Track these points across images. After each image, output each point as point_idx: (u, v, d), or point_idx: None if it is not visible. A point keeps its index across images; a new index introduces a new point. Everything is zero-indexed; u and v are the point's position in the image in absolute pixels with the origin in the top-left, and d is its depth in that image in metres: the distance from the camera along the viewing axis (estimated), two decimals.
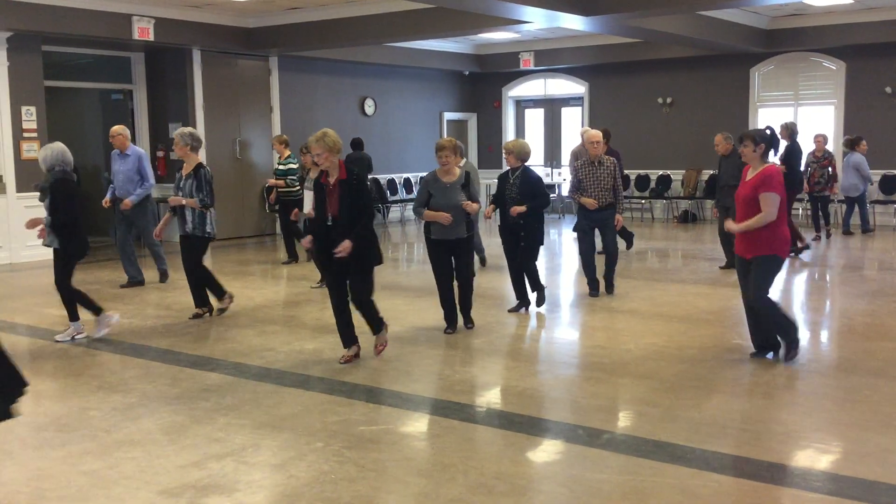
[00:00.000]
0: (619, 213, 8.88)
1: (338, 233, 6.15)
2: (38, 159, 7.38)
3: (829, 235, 13.39)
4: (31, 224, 7.32)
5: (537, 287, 8.32)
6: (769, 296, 6.25)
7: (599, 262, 9.13)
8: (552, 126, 19.59)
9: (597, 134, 8.94)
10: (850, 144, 13.90)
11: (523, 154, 7.96)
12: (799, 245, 11.58)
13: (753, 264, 6.21)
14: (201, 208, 7.90)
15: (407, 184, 18.25)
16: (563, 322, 8.37)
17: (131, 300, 9.33)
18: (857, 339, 7.29)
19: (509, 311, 8.34)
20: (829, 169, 13.30)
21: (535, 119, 19.91)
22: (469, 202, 7.20)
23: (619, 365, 6.44)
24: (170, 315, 8.46)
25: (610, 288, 9.12)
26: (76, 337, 7.42)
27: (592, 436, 4.93)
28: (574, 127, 18.13)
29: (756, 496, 4.16)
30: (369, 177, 15.62)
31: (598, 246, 9.12)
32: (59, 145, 7.28)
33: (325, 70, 16.49)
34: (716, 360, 6.41)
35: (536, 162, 19.60)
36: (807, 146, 13.81)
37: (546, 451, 4.86)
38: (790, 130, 11.74)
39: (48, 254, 7.55)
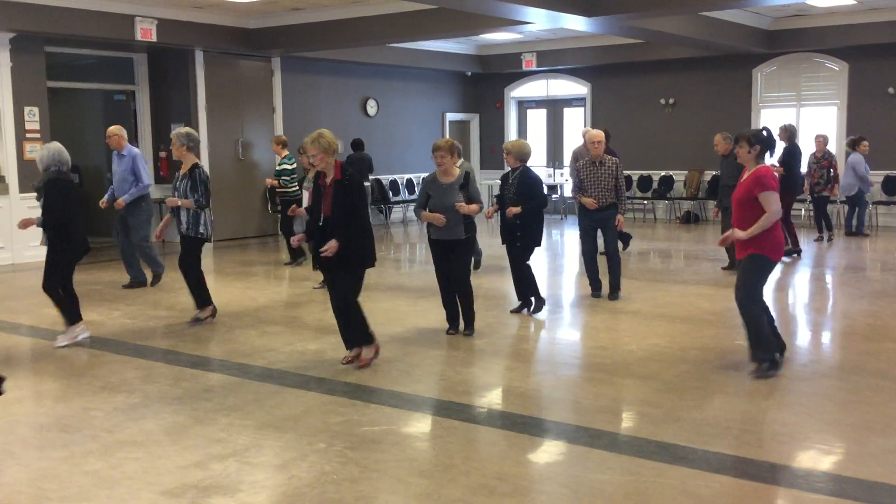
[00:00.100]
0: (622, 213, 8.78)
1: (330, 233, 6.14)
2: (35, 159, 7.37)
3: (830, 240, 13.27)
4: (24, 224, 7.30)
5: (531, 293, 8.18)
6: (755, 300, 6.03)
7: (602, 263, 9.10)
8: (554, 127, 19.59)
9: (598, 134, 8.91)
10: (852, 145, 13.88)
11: (522, 154, 7.94)
12: (791, 248, 11.51)
13: (742, 263, 6.14)
14: (196, 208, 7.85)
15: (409, 184, 18.25)
16: (564, 323, 8.37)
17: (133, 301, 9.34)
18: (860, 340, 7.28)
19: (511, 311, 8.34)
20: (829, 170, 13.26)
21: (537, 120, 19.91)
22: (462, 204, 7.08)
23: (621, 366, 6.44)
24: (172, 316, 8.46)
25: (614, 292, 8.94)
26: (78, 338, 7.42)
27: (594, 436, 4.93)
28: (576, 128, 18.12)
29: (758, 497, 4.16)
30: (370, 177, 15.66)
31: (600, 247, 9.10)
32: (55, 145, 7.23)
33: (328, 71, 16.50)
34: (718, 361, 6.41)
35: (539, 162, 19.63)
36: (809, 147, 13.85)
37: (548, 452, 4.86)
38: (789, 132, 11.70)
39: None
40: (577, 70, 18.40)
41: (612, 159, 8.80)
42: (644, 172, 17.58)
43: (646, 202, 17.61)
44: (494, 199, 8.41)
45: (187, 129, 8.12)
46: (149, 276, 10.11)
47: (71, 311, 7.28)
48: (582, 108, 18.82)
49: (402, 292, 9.71)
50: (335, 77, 16.68)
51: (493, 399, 5.87)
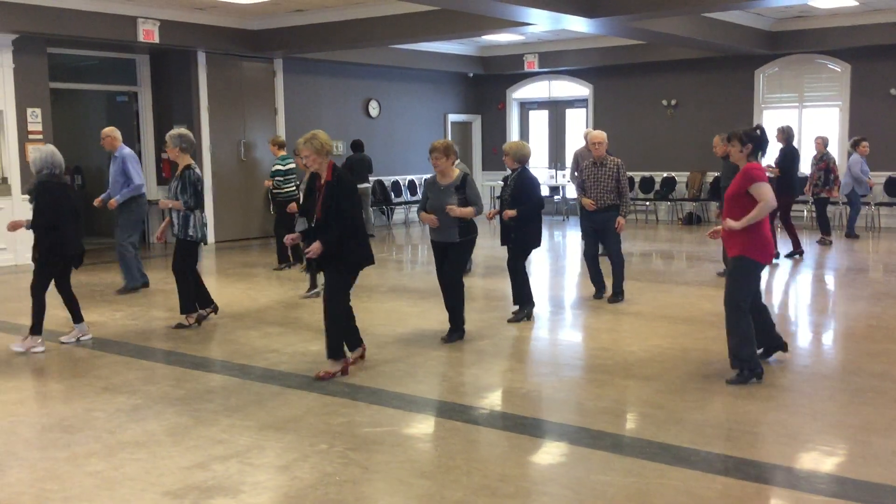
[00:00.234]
0: (623, 215, 8.68)
1: (319, 234, 6.10)
2: (29, 161, 7.34)
3: (829, 243, 13.19)
4: (12, 226, 7.26)
5: (522, 298, 8.04)
6: (735, 305, 5.88)
7: (606, 265, 9.06)
8: (556, 128, 19.59)
9: (599, 135, 8.85)
10: (854, 146, 13.86)
11: (520, 156, 7.89)
12: (779, 250, 11.45)
13: (730, 265, 6.06)
14: (184, 210, 7.81)
15: (411, 186, 18.26)
16: (566, 324, 8.36)
17: (136, 302, 9.34)
18: (861, 341, 7.27)
19: (508, 321, 8.25)
20: (827, 171, 13.17)
21: (539, 121, 19.91)
22: (452, 206, 6.99)
23: (624, 367, 6.43)
24: (174, 317, 8.45)
25: (616, 296, 8.86)
26: (81, 339, 7.42)
27: (596, 438, 4.93)
28: (578, 129, 18.11)
29: (760, 498, 4.16)
30: (370, 178, 15.66)
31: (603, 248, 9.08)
32: (48, 148, 7.20)
33: (330, 72, 16.51)
34: (720, 363, 6.39)
35: (540, 164, 19.64)
36: (810, 149, 13.82)
37: (550, 453, 4.85)
38: (786, 134, 11.62)
39: None
40: (579, 71, 18.40)
41: (613, 160, 8.72)
42: (646, 174, 17.58)
43: (648, 203, 17.61)
44: (497, 201, 8.38)
45: (180, 130, 8.06)
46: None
47: (40, 321, 7.12)
48: (584, 110, 18.82)
49: (403, 293, 9.71)
50: (337, 78, 16.69)
51: (494, 400, 5.86)
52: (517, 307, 8.10)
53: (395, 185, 17.94)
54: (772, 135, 11.89)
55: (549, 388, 6.05)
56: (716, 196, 15.10)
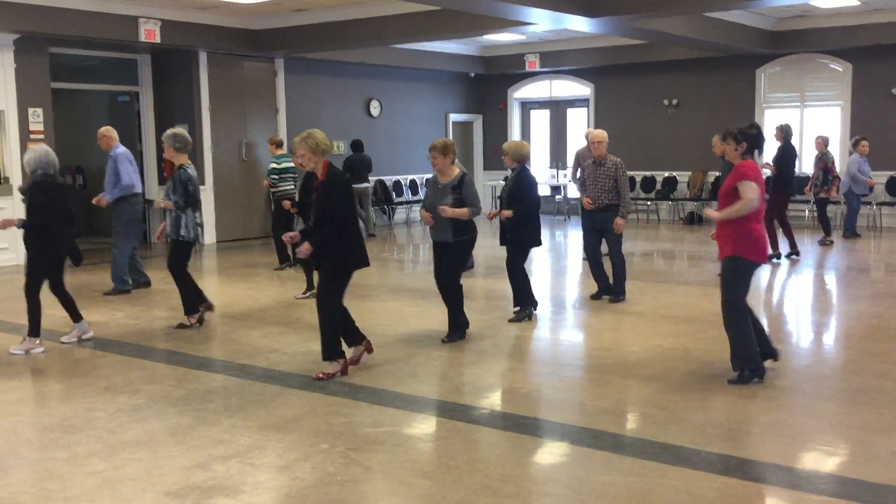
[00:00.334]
0: (622, 216, 8.61)
1: (312, 234, 6.07)
2: (23, 162, 7.33)
3: (831, 243, 13.14)
4: (4, 224, 7.21)
5: (522, 299, 8.02)
6: (732, 304, 5.82)
7: (608, 263, 9.03)
8: (558, 127, 19.59)
9: (599, 134, 8.81)
10: (854, 145, 13.83)
11: (518, 155, 7.86)
12: (773, 252, 11.42)
13: (722, 266, 5.97)
14: (175, 210, 7.76)
15: (412, 185, 18.26)
16: (568, 324, 8.36)
17: (137, 301, 9.35)
18: (863, 341, 7.27)
19: (510, 321, 8.25)
20: (825, 171, 13.12)
21: (540, 120, 19.91)
22: (444, 206, 6.95)
23: (625, 367, 6.43)
24: (175, 317, 8.45)
25: (617, 295, 8.81)
26: (82, 338, 7.43)
27: (598, 438, 4.93)
28: (580, 128, 18.11)
29: (761, 499, 4.16)
30: (370, 178, 15.66)
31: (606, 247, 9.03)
32: (42, 148, 7.18)
33: (331, 71, 16.51)
34: (722, 363, 6.38)
35: (542, 164, 19.64)
36: (810, 148, 13.80)
37: (551, 453, 4.85)
38: (785, 132, 11.57)
39: None
40: (581, 71, 18.40)
41: (613, 160, 8.66)
42: (647, 173, 17.57)
43: (649, 203, 17.60)
44: (497, 201, 8.36)
45: (175, 129, 8.01)
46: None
47: (37, 322, 7.11)
48: (585, 109, 18.82)
49: (405, 293, 9.71)
50: (338, 78, 16.69)
51: (496, 400, 5.86)
52: (518, 308, 8.10)
53: (397, 184, 17.94)
54: (771, 133, 11.94)
55: (551, 387, 6.05)
56: (717, 195, 15.11)
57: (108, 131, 9.87)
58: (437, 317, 7.95)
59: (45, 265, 7.09)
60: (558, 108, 19.52)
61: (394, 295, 9.65)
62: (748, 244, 5.78)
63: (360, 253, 6.18)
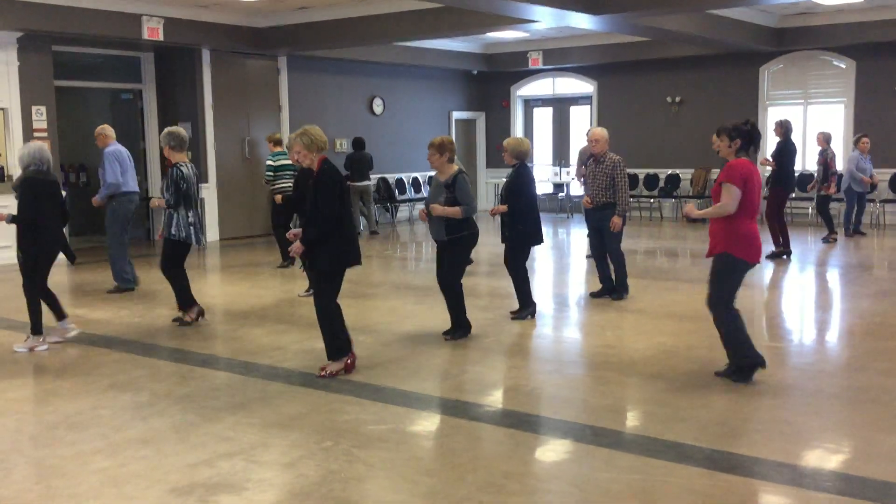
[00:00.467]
0: (619, 213, 8.55)
1: (304, 232, 6.04)
2: (17, 158, 7.30)
3: (834, 240, 13.12)
4: None
5: (522, 299, 7.99)
6: (720, 303, 5.77)
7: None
8: (561, 125, 19.57)
9: (596, 132, 8.78)
10: (855, 143, 13.80)
11: (517, 152, 7.83)
12: (777, 250, 11.40)
13: (712, 263, 5.88)
14: (167, 208, 7.72)
15: (415, 183, 18.26)
16: (570, 321, 8.36)
17: (140, 299, 9.36)
18: (867, 338, 7.26)
19: (513, 317, 8.23)
20: (824, 167, 13.07)
21: (543, 118, 19.90)
22: (435, 205, 6.95)
23: (628, 364, 6.43)
24: (178, 315, 8.47)
25: (615, 293, 8.78)
26: (67, 336, 7.29)
27: (601, 435, 4.93)
28: (583, 126, 18.11)
29: (766, 496, 4.16)
30: (371, 176, 15.67)
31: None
32: (36, 144, 7.15)
33: (334, 69, 16.51)
34: (725, 360, 6.38)
35: (545, 161, 19.64)
36: (813, 145, 13.76)
37: (555, 451, 4.86)
38: (784, 128, 11.52)
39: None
40: (584, 68, 18.38)
41: (612, 158, 8.60)
42: (650, 171, 17.56)
43: (652, 201, 17.59)
44: (499, 198, 8.35)
45: (170, 128, 7.97)
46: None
47: (38, 320, 7.09)
48: (588, 107, 18.80)
49: (407, 290, 9.72)
50: (341, 76, 16.69)
51: (498, 397, 5.87)
52: (519, 306, 8.09)
53: (399, 182, 17.94)
54: (771, 129, 11.90)
55: (553, 385, 6.05)
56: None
57: (104, 129, 9.87)
58: (439, 314, 7.95)
59: (39, 262, 7.04)
60: (561, 106, 19.50)
61: (397, 292, 9.66)
62: (741, 243, 5.70)
63: (352, 251, 6.10)
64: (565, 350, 7.28)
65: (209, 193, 14.63)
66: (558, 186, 18.82)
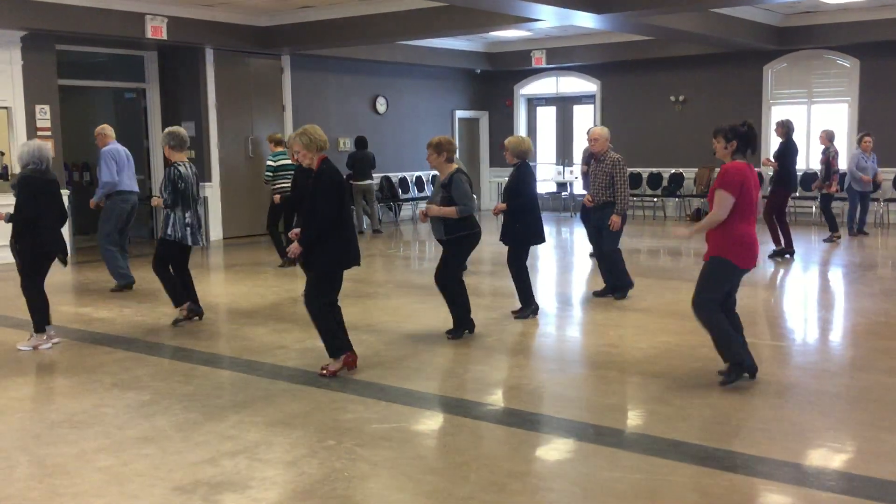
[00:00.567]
0: (618, 213, 8.52)
1: (301, 233, 6.02)
2: (17, 156, 7.29)
3: (837, 240, 13.07)
4: None
5: (523, 299, 7.97)
6: (705, 305, 5.63)
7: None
8: (564, 124, 19.57)
9: (595, 130, 8.79)
10: (858, 142, 13.77)
11: (518, 151, 7.81)
12: (777, 249, 11.37)
13: (704, 265, 5.74)
14: (164, 208, 7.69)
15: (418, 182, 18.26)
16: (573, 320, 8.36)
17: (144, 298, 9.36)
18: (871, 338, 7.25)
19: (515, 316, 8.22)
20: (826, 166, 13.04)
21: (547, 117, 19.89)
22: (431, 206, 6.96)
23: (632, 363, 6.43)
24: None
25: (616, 292, 8.76)
26: (37, 347, 7.11)
27: (604, 434, 4.93)
28: (586, 125, 18.09)
29: (769, 495, 4.15)
30: (374, 175, 15.67)
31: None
32: (35, 143, 7.13)
33: (338, 68, 16.51)
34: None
35: (548, 160, 19.64)
36: (816, 144, 13.72)
37: (558, 450, 4.85)
38: (786, 128, 11.45)
39: None
40: (587, 67, 18.37)
41: (612, 157, 8.59)
42: (654, 170, 17.54)
43: (656, 200, 17.58)
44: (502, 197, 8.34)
45: (170, 128, 7.95)
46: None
47: (39, 319, 7.06)
48: (592, 106, 18.79)
49: (411, 289, 9.72)
50: (345, 75, 16.69)
51: (502, 396, 5.87)
52: (522, 306, 8.08)
53: (403, 181, 17.95)
54: (773, 129, 11.86)
55: (556, 384, 6.05)
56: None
57: (103, 129, 9.88)
58: (443, 313, 7.94)
59: (36, 260, 7.02)
60: (565, 105, 19.49)
61: (400, 291, 9.66)
62: (735, 248, 5.56)
63: (350, 252, 6.05)
64: (568, 349, 7.28)
65: (212, 192, 14.65)
66: (562, 185, 18.81)
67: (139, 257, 11.48)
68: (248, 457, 4.61)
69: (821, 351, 7.07)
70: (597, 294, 8.96)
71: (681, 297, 8.95)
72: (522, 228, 7.81)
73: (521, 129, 19.67)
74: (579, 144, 16.97)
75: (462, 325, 7.25)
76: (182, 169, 7.73)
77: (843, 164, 14.06)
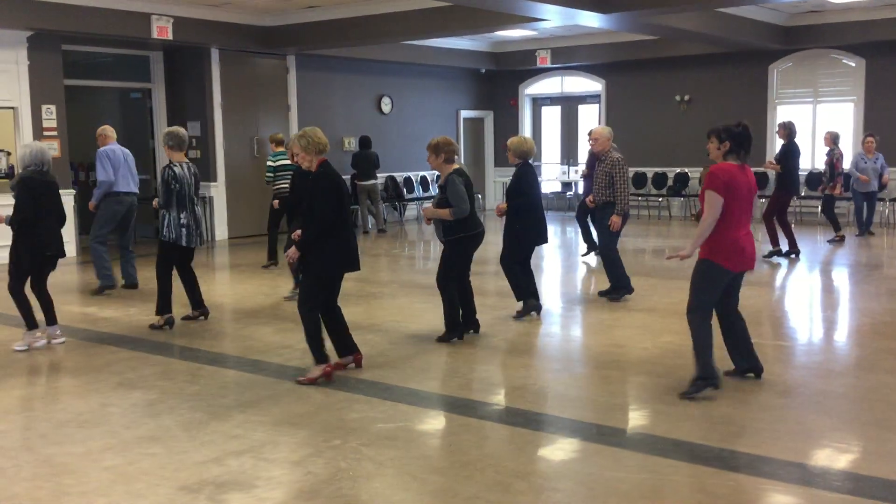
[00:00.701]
0: (617, 213, 8.47)
1: (301, 235, 6.01)
2: (17, 157, 7.30)
3: (840, 240, 13.02)
4: None
5: (520, 294, 7.94)
6: (695, 309, 5.54)
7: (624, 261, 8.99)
8: (569, 124, 19.55)
9: (596, 130, 8.81)
10: (862, 142, 13.73)
11: (520, 151, 7.78)
12: (773, 250, 11.34)
13: (694, 269, 5.65)
14: (160, 209, 7.68)
15: (423, 182, 18.27)
16: (578, 320, 8.36)
17: (150, 298, 9.36)
18: (876, 338, 7.23)
19: (515, 318, 8.21)
20: (830, 167, 13.00)
21: (551, 117, 19.89)
22: (427, 207, 6.97)
23: (636, 363, 6.43)
24: (187, 313, 8.49)
25: (614, 291, 8.73)
26: (52, 342, 7.18)
27: (609, 434, 4.93)
28: (591, 125, 18.08)
29: (774, 495, 4.15)
30: (378, 175, 15.68)
31: (620, 243, 8.97)
32: (37, 145, 7.14)
33: (343, 68, 16.53)
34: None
35: (553, 160, 19.63)
36: (820, 145, 13.68)
37: (563, 450, 4.86)
38: (788, 130, 11.39)
39: None
40: (592, 67, 18.36)
41: (612, 157, 8.57)
42: (659, 169, 17.53)
43: (660, 199, 17.56)
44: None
45: (170, 128, 7.94)
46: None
47: (29, 316, 7.05)
48: (597, 105, 18.78)
49: (416, 289, 9.73)
50: (350, 74, 16.71)
51: (507, 396, 5.87)
52: (521, 305, 8.05)
53: (408, 181, 17.96)
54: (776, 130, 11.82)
55: (561, 384, 6.06)
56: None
57: (104, 130, 9.88)
58: None
59: (27, 262, 6.98)
60: (569, 105, 19.48)
61: (405, 291, 9.67)
62: (722, 250, 5.43)
63: (348, 256, 5.99)
64: (573, 349, 7.28)
65: (217, 192, 14.68)
66: (566, 185, 18.80)
67: (145, 257, 11.50)
68: (254, 456, 4.63)
69: (826, 351, 7.06)
70: (602, 294, 8.96)
71: (685, 298, 8.92)
72: (522, 228, 7.81)
73: (526, 129, 19.67)
74: (584, 144, 16.95)
75: (452, 331, 7.11)
76: (177, 169, 7.65)
77: (847, 165, 14.01)
